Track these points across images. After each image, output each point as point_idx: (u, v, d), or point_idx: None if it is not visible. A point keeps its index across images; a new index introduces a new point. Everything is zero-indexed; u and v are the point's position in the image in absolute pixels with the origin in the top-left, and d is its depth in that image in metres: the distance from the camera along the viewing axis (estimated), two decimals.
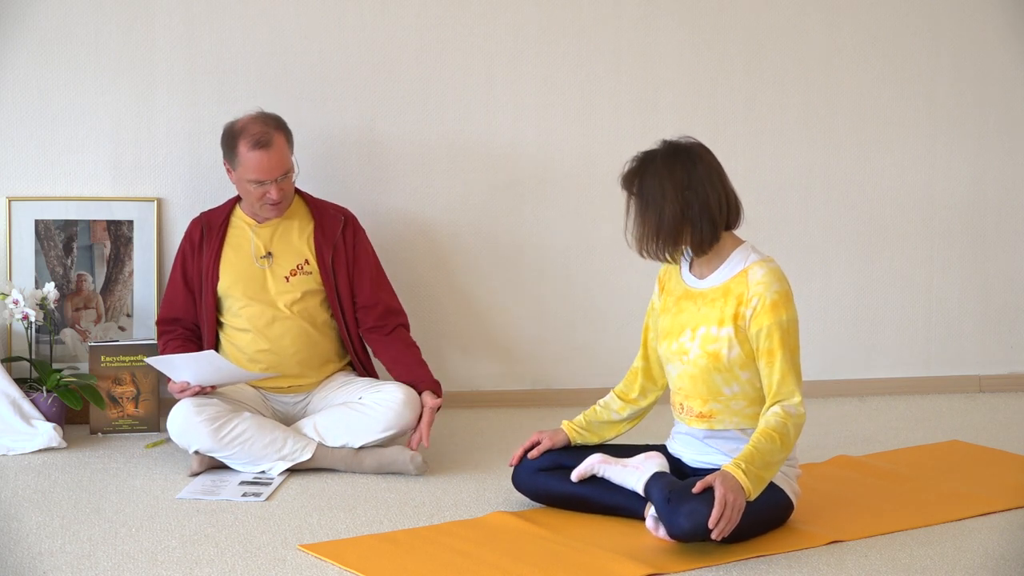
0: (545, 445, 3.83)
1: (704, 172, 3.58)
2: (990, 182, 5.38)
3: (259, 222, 4.42)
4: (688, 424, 3.69)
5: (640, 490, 3.60)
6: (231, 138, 4.32)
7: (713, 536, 3.38)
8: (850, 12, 5.22)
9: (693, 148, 3.62)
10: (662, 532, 3.50)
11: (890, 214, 5.33)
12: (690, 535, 3.40)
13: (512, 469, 3.87)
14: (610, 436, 3.89)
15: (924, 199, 5.34)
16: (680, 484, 3.50)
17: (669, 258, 3.63)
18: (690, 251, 3.64)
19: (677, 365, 3.68)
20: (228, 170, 4.37)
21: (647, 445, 3.83)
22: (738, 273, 3.61)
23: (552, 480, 3.79)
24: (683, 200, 3.55)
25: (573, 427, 3.87)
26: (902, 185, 5.32)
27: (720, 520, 3.36)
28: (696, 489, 3.41)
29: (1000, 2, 5.30)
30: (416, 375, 4.34)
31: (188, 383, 4.17)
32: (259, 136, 4.27)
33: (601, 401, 3.91)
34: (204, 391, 4.18)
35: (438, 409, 4.28)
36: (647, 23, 5.08)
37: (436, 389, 4.32)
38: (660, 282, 3.82)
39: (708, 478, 3.42)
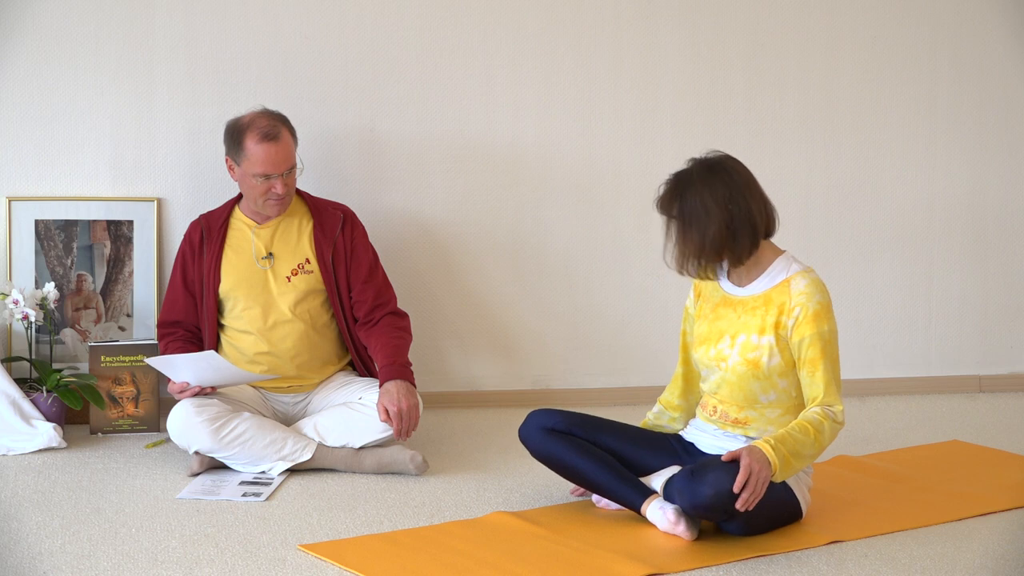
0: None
1: (742, 183, 3.60)
2: (990, 182, 5.38)
3: (259, 223, 4.42)
4: (721, 428, 3.69)
5: (658, 487, 3.64)
6: (237, 133, 4.32)
7: (737, 505, 3.38)
8: (850, 13, 5.22)
9: (726, 161, 3.63)
10: (681, 528, 3.50)
11: (890, 214, 5.32)
12: (712, 503, 3.41)
13: (522, 427, 3.82)
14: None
15: (924, 199, 5.34)
16: (705, 459, 3.55)
17: (711, 275, 3.64)
18: (727, 263, 3.65)
19: (715, 371, 3.69)
20: (230, 167, 4.37)
21: (662, 435, 3.84)
22: (780, 283, 3.63)
23: (560, 446, 3.74)
24: (728, 214, 3.56)
25: None
26: (902, 185, 5.32)
27: (745, 487, 3.37)
28: (725, 457, 3.44)
29: (1000, 2, 5.30)
30: (381, 361, 4.29)
31: (188, 383, 4.17)
32: (267, 129, 4.29)
33: (650, 414, 3.93)
34: (204, 392, 4.18)
35: (412, 407, 4.18)
36: (647, 23, 5.08)
37: (402, 376, 4.25)
38: (696, 288, 3.82)
39: (736, 451, 3.44)
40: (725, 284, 3.73)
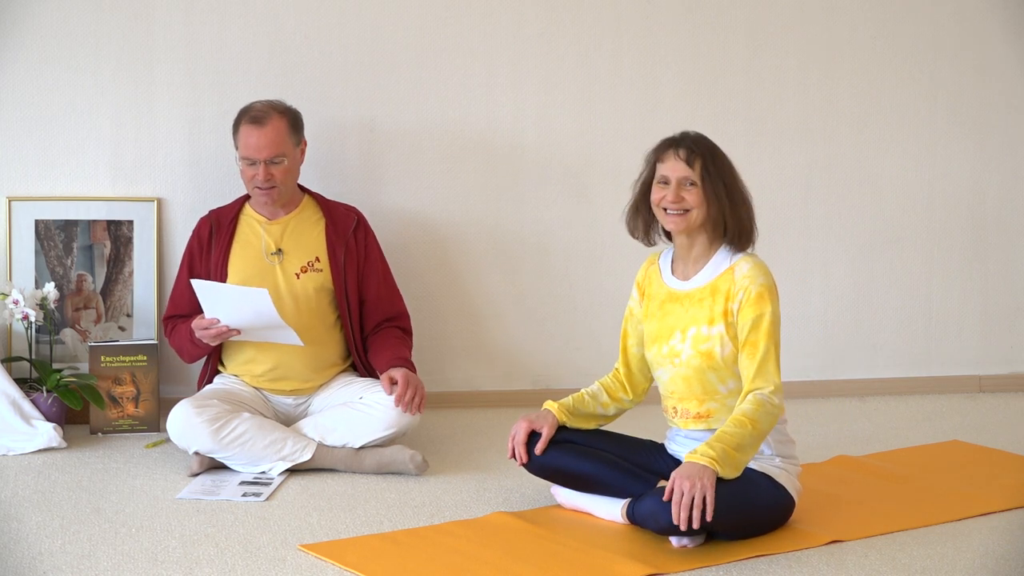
0: (547, 435, 3.74)
1: None
2: (990, 182, 5.38)
3: (270, 219, 4.41)
4: (685, 427, 3.68)
5: (619, 514, 3.64)
6: (238, 116, 4.35)
7: (678, 523, 3.35)
8: (850, 12, 5.22)
9: None
10: (685, 541, 3.49)
11: (890, 214, 5.33)
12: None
13: (511, 455, 3.80)
14: (587, 427, 3.84)
15: (924, 198, 5.34)
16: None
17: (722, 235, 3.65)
18: (725, 244, 3.65)
19: (668, 368, 3.67)
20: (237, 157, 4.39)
21: (651, 441, 3.84)
22: (724, 271, 3.63)
23: (562, 456, 3.73)
24: (741, 184, 3.65)
25: (563, 410, 3.80)
26: (902, 184, 5.33)
27: (680, 508, 3.34)
28: (665, 497, 3.39)
29: (1000, 2, 5.30)
30: (385, 356, 4.32)
31: (218, 321, 4.16)
32: (255, 113, 4.30)
33: (588, 390, 3.86)
34: (230, 333, 4.17)
35: (418, 382, 4.22)
36: (647, 23, 5.08)
37: (401, 365, 4.28)
38: (639, 287, 3.81)
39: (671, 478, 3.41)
40: (669, 279, 3.72)
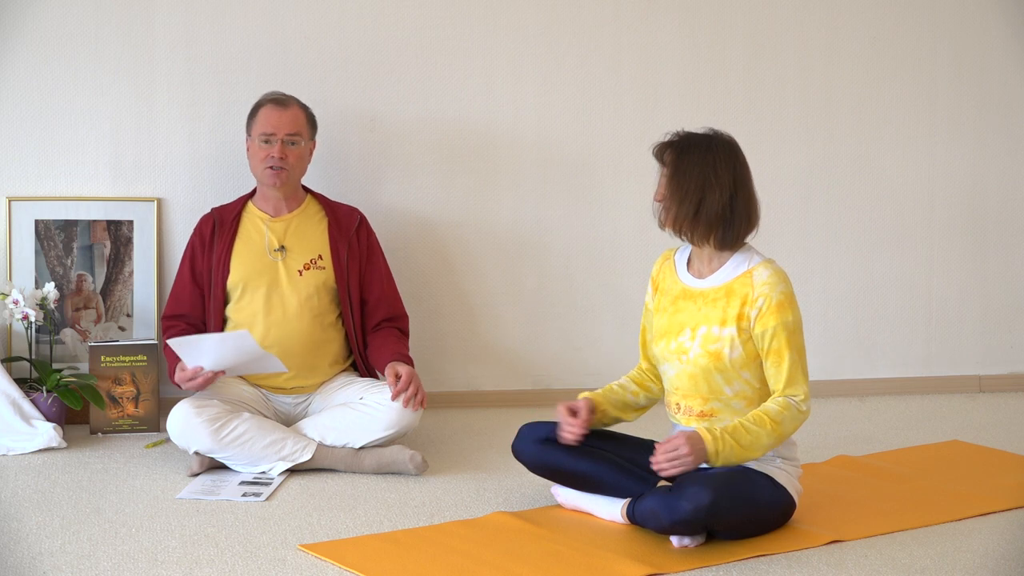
0: (584, 409, 3.71)
1: (749, 174, 3.63)
2: (990, 182, 5.38)
3: (273, 216, 4.42)
4: (687, 424, 3.68)
5: (619, 513, 3.65)
6: (256, 105, 4.42)
7: (652, 461, 3.43)
8: (850, 12, 5.22)
9: (740, 148, 3.65)
10: (687, 541, 3.49)
11: (890, 214, 5.33)
12: (692, 517, 3.39)
13: (515, 441, 3.82)
14: (622, 418, 3.83)
15: (924, 199, 5.34)
16: (682, 475, 3.52)
17: (694, 240, 3.62)
18: (714, 243, 3.62)
19: (675, 364, 3.67)
20: (247, 146, 4.42)
21: (652, 441, 3.84)
22: (742, 274, 3.61)
23: (558, 454, 3.74)
24: (732, 192, 3.57)
25: (596, 396, 3.78)
26: (902, 185, 5.33)
27: (664, 453, 3.43)
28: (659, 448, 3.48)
29: (1000, 2, 5.31)
30: (387, 352, 4.32)
31: (201, 368, 4.14)
32: (278, 96, 4.42)
33: (616, 382, 3.85)
34: (216, 376, 4.14)
35: (419, 382, 4.23)
36: (647, 23, 5.08)
37: (405, 362, 4.30)
38: (654, 283, 3.81)
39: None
40: (684, 276, 3.72)
